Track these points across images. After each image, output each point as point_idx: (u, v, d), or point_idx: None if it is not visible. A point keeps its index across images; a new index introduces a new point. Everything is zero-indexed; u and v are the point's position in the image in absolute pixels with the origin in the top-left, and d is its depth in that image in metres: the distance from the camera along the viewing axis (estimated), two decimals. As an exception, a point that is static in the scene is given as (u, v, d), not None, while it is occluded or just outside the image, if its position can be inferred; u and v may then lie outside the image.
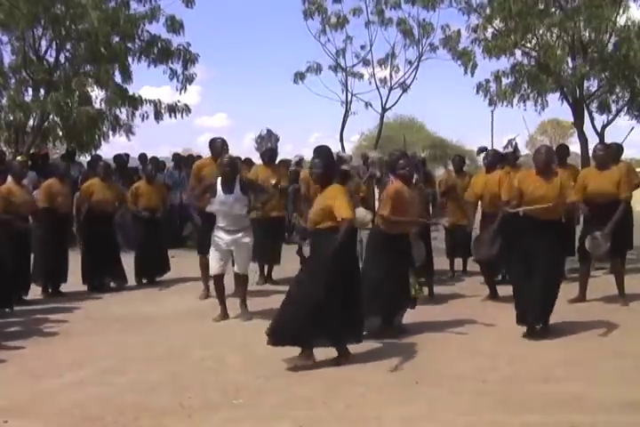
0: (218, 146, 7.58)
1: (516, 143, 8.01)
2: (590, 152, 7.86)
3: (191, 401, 4.34)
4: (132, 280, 8.71)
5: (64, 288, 8.16)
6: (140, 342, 5.84)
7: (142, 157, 13.30)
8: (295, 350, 5.07)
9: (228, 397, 4.42)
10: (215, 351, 5.52)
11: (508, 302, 7.07)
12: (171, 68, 13.53)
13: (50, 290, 8.09)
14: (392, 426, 3.96)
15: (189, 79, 13.70)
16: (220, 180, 6.52)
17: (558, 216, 5.95)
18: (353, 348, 5.26)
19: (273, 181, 8.15)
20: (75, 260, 8.37)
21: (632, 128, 7.82)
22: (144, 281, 8.81)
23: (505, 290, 7.36)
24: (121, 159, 12.74)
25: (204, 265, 7.45)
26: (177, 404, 4.29)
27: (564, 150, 8.67)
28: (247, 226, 6.61)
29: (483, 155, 7.95)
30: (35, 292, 7.89)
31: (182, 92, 13.73)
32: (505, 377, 4.75)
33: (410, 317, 6.17)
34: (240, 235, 6.50)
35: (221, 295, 6.60)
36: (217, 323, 6.43)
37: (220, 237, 6.49)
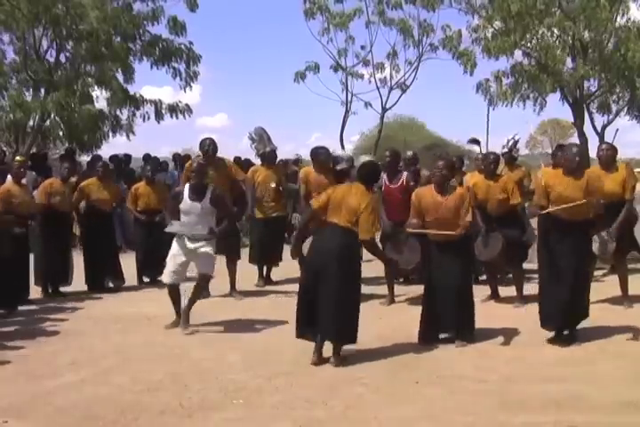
0: (204, 148, 7.57)
1: (514, 143, 7.97)
2: (594, 152, 7.80)
3: (191, 401, 4.34)
4: (132, 280, 8.71)
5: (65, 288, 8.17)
6: (140, 342, 5.84)
7: (146, 157, 13.33)
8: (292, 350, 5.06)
9: (228, 397, 4.42)
10: (215, 351, 5.52)
11: (509, 302, 7.10)
12: (174, 67, 13.55)
13: (50, 290, 8.09)
14: (392, 426, 3.96)
15: (193, 77, 13.72)
16: (187, 186, 6.22)
17: (585, 217, 5.69)
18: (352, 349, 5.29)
19: (273, 185, 8.18)
20: (77, 260, 8.38)
21: (617, 130, 7.66)
22: (146, 280, 8.80)
23: (505, 291, 7.38)
24: (117, 159, 12.77)
25: None
26: (177, 404, 4.28)
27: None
28: (210, 240, 6.21)
29: (476, 147, 7.87)
30: (35, 292, 7.89)
31: (186, 90, 13.76)
32: (505, 377, 4.75)
33: (410, 317, 6.18)
34: (201, 244, 6.15)
35: (176, 305, 6.28)
36: (219, 321, 6.40)
37: (181, 245, 6.15)
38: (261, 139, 8.23)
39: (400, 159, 7.56)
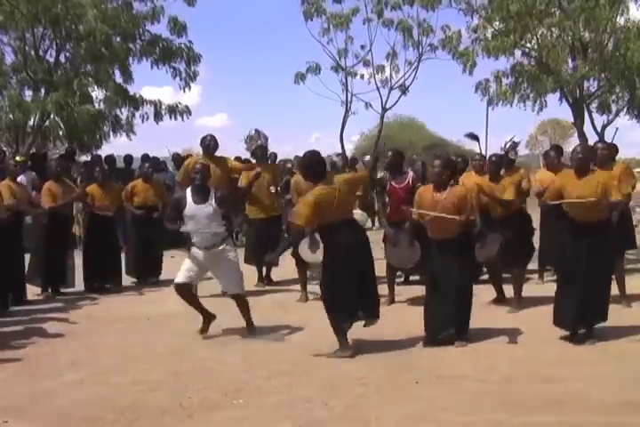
0: (205, 143, 7.63)
1: (512, 144, 7.95)
2: None
3: (191, 401, 4.34)
4: (127, 280, 8.72)
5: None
6: (140, 342, 5.84)
7: (144, 157, 13.32)
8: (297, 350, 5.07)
9: (227, 397, 4.43)
10: (215, 351, 5.52)
11: (509, 304, 7.07)
12: (173, 67, 13.55)
13: (49, 290, 8.09)
14: (392, 426, 3.96)
15: (192, 77, 13.72)
16: (189, 189, 5.95)
17: (599, 218, 5.63)
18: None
19: (272, 189, 8.16)
20: (77, 261, 8.39)
21: (617, 128, 7.62)
22: (133, 281, 8.81)
23: (506, 290, 7.36)
24: (111, 160, 12.78)
25: None
26: (177, 404, 4.29)
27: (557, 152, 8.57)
28: (225, 237, 5.89)
29: (475, 143, 7.85)
30: (35, 292, 7.89)
31: (185, 90, 13.75)
32: (505, 377, 4.75)
33: (410, 317, 6.18)
34: (220, 249, 5.83)
35: (195, 305, 6.00)
36: (217, 322, 6.37)
37: (196, 256, 5.86)
38: (251, 139, 8.26)
39: (403, 159, 7.54)
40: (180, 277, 5.88)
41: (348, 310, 5.35)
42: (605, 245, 5.72)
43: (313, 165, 5.49)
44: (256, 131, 8.26)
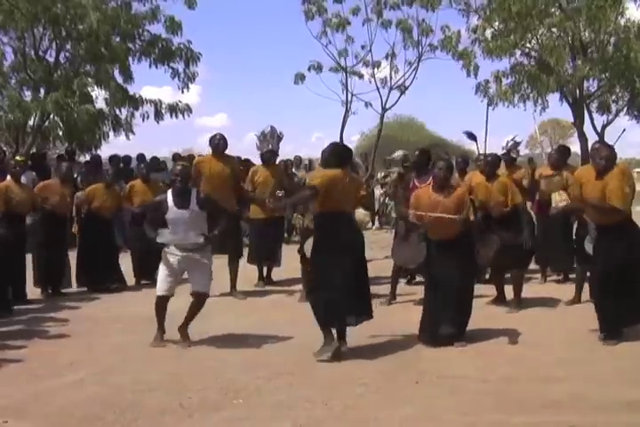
0: (215, 142, 7.68)
1: (513, 144, 7.97)
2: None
3: (191, 401, 4.34)
4: (131, 280, 8.71)
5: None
6: (140, 342, 5.83)
7: (140, 157, 13.33)
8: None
9: (227, 397, 4.43)
10: (215, 351, 5.52)
11: (508, 304, 7.07)
12: (172, 67, 13.55)
13: (50, 290, 8.09)
14: (392, 426, 3.96)
15: (191, 77, 13.72)
16: (169, 193, 5.75)
17: (611, 221, 5.56)
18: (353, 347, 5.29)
19: (278, 192, 8.16)
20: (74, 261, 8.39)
21: (624, 129, 7.61)
22: (142, 281, 8.79)
23: (507, 290, 7.36)
24: (117, 159, 12.79)
25: None
26: (177, 404, 4.29)
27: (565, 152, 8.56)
28: (205, 245, 5.69)
29: (473, 142, 7.86)
30: (35, 292, 7.89)
31: (184, 90, 13.75)
32: (505, 377, 4.75)
33: (410, 317, 6.18)
34: (197, 255, 5.67)
35: (161, 318, 5.80)
36: (218, 322, 6.39)
37: (173, 252, 5.66)
38: (265, 138, 8.23)
39: (429, 158, 7.49)
40: (161, 291, 5.75)
41: (337, 309, 5.24)
42: (625, 244, 5.63)
43: (331, 155, 5.56)
44: (272, 129, 8.20)
